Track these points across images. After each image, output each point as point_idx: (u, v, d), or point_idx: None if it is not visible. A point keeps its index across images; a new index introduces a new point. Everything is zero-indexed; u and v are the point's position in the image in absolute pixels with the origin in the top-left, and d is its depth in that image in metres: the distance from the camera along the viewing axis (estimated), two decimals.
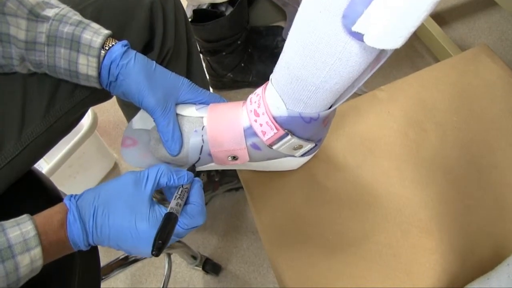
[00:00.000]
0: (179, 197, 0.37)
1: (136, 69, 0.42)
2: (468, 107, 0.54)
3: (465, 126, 0.53)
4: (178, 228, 0.36)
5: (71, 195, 0.36)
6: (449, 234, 0.46)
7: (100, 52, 0.41)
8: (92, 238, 0.35)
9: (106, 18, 0.48)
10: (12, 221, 0.32)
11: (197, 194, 0.38)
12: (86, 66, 0.41)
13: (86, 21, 0.42)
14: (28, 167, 0.50)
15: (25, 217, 0.33)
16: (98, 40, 0.41)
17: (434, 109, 0.54)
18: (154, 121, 0.43)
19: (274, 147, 0.41)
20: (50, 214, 0.35)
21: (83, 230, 0.34)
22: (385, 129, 0.53)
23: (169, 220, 0.34)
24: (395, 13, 0.27)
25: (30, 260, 0.32)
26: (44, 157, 0.52)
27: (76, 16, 0.42)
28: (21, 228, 0.32)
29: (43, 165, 0.91)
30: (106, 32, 0.42)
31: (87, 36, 0.41)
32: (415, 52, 1.07)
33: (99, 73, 0.42)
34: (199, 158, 0.43)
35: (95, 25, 0.42)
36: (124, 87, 0.42)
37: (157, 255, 0.33)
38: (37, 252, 0.32)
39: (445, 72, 0.57)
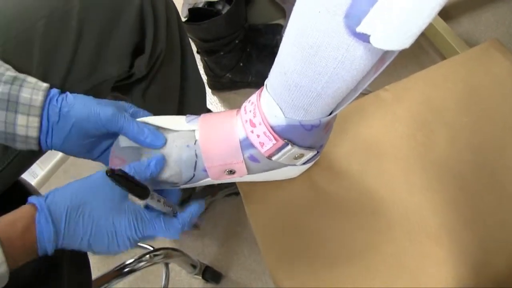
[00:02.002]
0: (164, 202, 0.36)
1: (80, 96, 0.40)
2: (478, 106, 0.51)
3: (476, 126, 0.50)
4: (151, 229, 0.37)
5: (37, 197, 0.34)
6: (460, 243, 0.43)
7: (42, 111, 0.38)
8: (63, 240, 0.34)
9: (93, 20, 0.45)
10: None
11: (189, 212, 0.38)
12: (26, 128, 0.38)
13: (22, 75, 0.39)
14: (14, 179, 0.48)
15: None
16: (39, 98, 0.38)
17: (442, 110, 0.51)
18: (120, 130, 0.39)
19: (274, 158, 0.39)
20: (14, 219, 0.33)
21: (54, 232, 0.33)
22: (391, 131, 0.51)
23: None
24: (405, 11, 0.24)
25: None
26: (38, 162, 0.50)
27: (9, 72, 0.38)
28: None
29: (38, 171, 0.89)
30: (45, 85, 0.39)
31: (25, 95, 0.37)
32: (420, 48, 1.04)
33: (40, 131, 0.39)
34: (194, 175, 0.40)
35: (32, 79, 0.39)
36: (73, 117, 0.38)
37: (110, 173, 0.33)
38: None
39: (454, 69, 0.55)
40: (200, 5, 0.89)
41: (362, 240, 0.44)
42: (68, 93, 0.40)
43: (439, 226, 0.44)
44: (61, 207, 0.33)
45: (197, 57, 0.98)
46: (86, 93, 0.46)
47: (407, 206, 0.45)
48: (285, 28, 1.13)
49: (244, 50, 0.99)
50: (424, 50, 1.03)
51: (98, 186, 0.35)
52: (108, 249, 0.35)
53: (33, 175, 0.89)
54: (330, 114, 0.36)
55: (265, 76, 0.36)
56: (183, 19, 0.87)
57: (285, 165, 0.41)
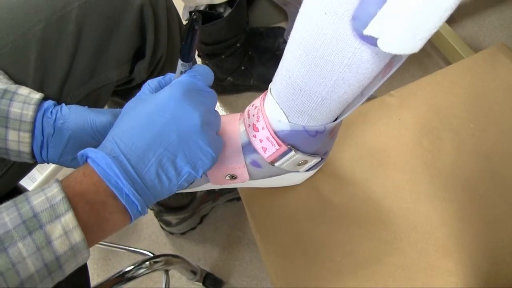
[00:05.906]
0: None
1: (74, 106, 0.38)
2: (486, 112, 0.50)
3: (484, 133, 0.49)
4: (198, 83, 0.33)
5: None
6: (470, 254, 0.42)
7: (33, 126, 0.37)
8: (129, 163, 0.29)
9: (92, 24, 0.44)
10: (37, 188, 0.28)
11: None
12: (17, 143, 0.37)
13: (13, 87, 0.37)
14: (11, 186, 0.46)
15: (51, 181, 0.28)
16: (29, 113, 0.36)
17: (449, 116, 0.50)
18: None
19: (277, 164, 0.38)
20: (73, 177, 0.29)
21: (113, 158, 0.28)
22: (397, 138, 0.49)
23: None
24: (414, 13, 0.23)
25: (63, 229, 0.26)
26: (37, 166, 0.48)
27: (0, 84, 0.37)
28: (46, 193, 0.27)
29: (37, 175, 0.88)
30: (36, 98, 0.37)
31: (16, 109, 0.36)
32: (423, 52, 1.02)
33: (32, 147, 0.37)
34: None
35: (24, 90, 0.37)
36: (69, 129, 0.37)
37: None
38: (68, 219, 0.26)
39: (460, 74, 0.53)
40: (201, 8, 0.88)
41: (367, 251, 0.43)
42: (63, 104, 0.38)
43: (447, 236, 0.43)
44: (107, 140, 0.30)
45: (198, 61, 0.98)
46: (85, 98, 0.46)
47: (414, 215, 0.44)
48: (287, 31, 1.12)
49: (246, 54, 0.98)
50: (427, 53, 1.02)
51: (127, 110, 0.32)
52: (187, 139, 0.30)
53: (32, 180, 0.88)
54: (336, 120, 0.35)
55: (267, 80, 0.35)
56: (184, 22, 0.87)
57: (288, 172, 0.40)
